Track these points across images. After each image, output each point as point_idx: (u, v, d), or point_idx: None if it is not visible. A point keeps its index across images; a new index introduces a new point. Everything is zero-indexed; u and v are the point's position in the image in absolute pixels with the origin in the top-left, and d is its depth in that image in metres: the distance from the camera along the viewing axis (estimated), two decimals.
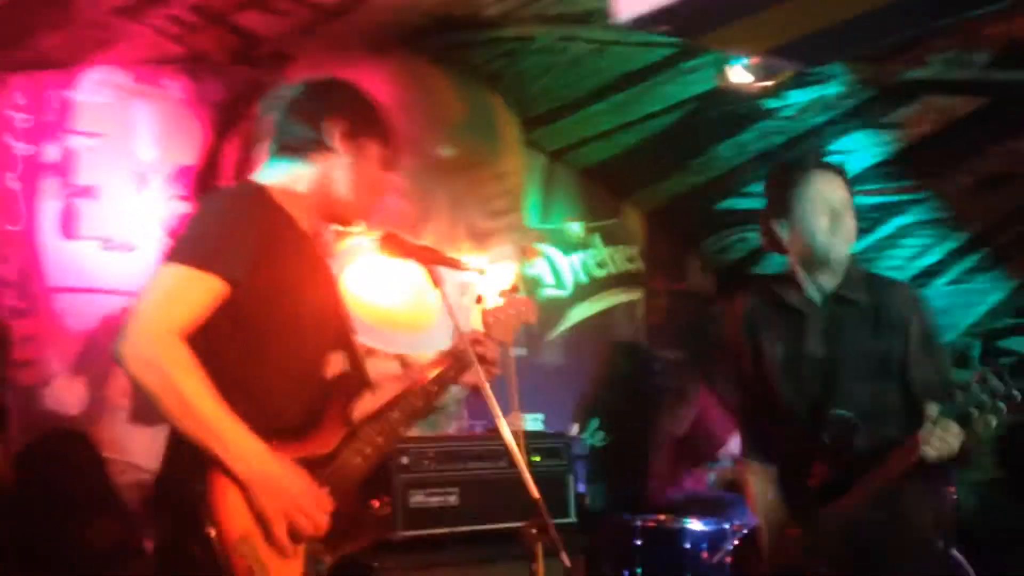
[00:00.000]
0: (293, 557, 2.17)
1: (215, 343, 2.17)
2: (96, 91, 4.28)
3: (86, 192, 4.20)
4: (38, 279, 4.05)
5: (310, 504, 2.19)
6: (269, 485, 2.12)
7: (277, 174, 2.39)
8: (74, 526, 3.45)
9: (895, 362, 2.84)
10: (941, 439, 2.61)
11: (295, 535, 2.17)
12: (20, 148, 4.08)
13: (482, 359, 2.50)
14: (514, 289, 2.79)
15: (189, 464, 2.10)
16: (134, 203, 4.31)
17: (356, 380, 2.52)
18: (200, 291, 2.15)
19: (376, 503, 2.43)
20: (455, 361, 2.54)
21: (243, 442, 2.11)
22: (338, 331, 2.49)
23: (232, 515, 2.09)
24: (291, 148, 2.40)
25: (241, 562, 2.06)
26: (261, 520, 2.13)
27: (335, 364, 2.45)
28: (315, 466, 2.25)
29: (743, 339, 3.02)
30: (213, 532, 2.04)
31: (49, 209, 4.12)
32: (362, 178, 2.43)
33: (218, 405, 2.10)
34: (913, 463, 2.66)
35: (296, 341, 2.30)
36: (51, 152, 4.15)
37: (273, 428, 2.19)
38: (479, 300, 2.63)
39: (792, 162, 3.17)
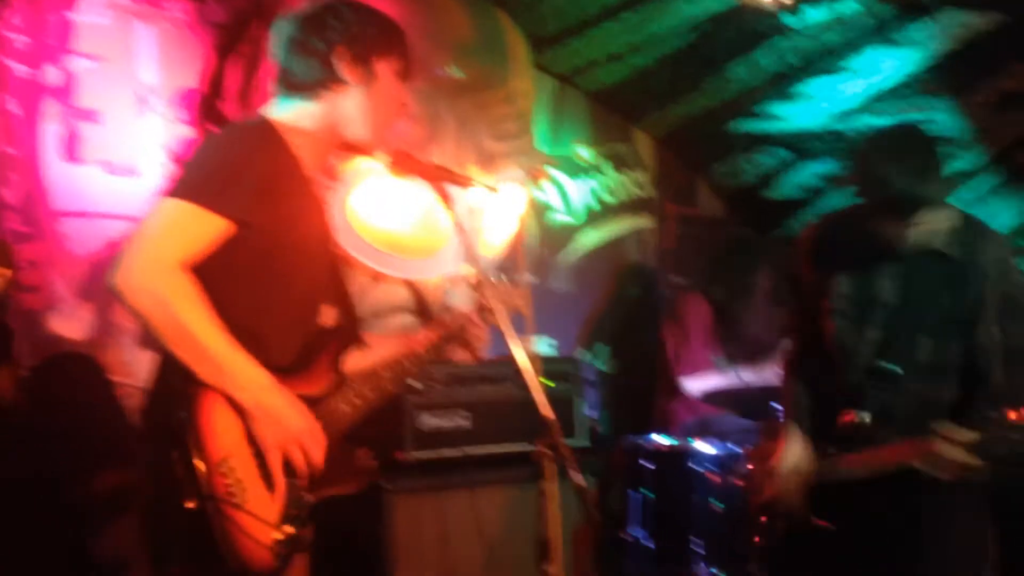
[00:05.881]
0: (276, 491, 2.15)
1: (215, 281, 2.13)
2: (96, 12, 4.20)
3: (88, 115, 4.14)
4: (41, 203, 4.01)
5: (309, 440, 2.18)
6: (271, 416, 2.12)
7: (286, 111, 2.32)
8: (84, 446, 3.46)
9: (965, 319, 2.75)
10: (945, 461, 2.54)
11: (288, 468, 2.17)
12: (20, 71, 4.01)
13: (471, 340, 2.54)
14: (509, 281, 2.74)
15: (178, 386, 2.07)
16: (136, 127, 4.25)
17: (348, 332, 2.49)
18: (204, 229, 2.10)
19: (361, 453, 2.43)
20: (447, 334, 2.54)
21: (247, 371, 2.10)
22: (332, 282, 2.46)
23: (218, 438, 2.07)
24: (298, 86, 2.32)
25: (221, 481, 2.04)
26: (259, 448, 2.12)
27: (328, 315, 2.42)
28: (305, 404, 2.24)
29: (812, 272, 2.96)
30: (197, 460, 2.03)
31: (50, 133, 4.06)
32: (378, 103, 2.35)
33: (221, 335, 2.08)
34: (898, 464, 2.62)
35: (291, 283, 2.28)
36: (51, 75, 4.08)
37: (267, 366, 2.15)
38: (477, 283, 2.48)
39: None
